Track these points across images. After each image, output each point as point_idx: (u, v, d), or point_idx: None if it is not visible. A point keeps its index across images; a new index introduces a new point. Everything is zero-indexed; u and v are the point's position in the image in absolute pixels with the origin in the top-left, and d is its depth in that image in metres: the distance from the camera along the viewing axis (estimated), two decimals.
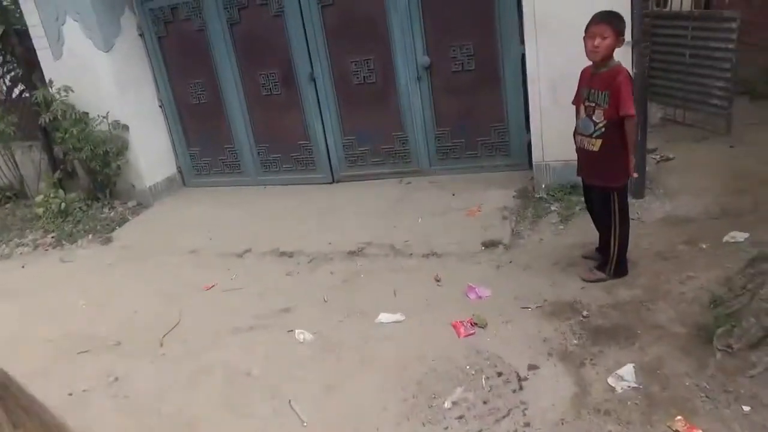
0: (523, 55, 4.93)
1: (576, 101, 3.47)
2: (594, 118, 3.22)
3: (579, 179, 4.57)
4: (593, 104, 3.22)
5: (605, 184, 3.32)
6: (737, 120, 5.75)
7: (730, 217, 4.05)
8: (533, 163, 4.80)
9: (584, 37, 3.18)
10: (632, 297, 3.29)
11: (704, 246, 3.69)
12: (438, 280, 3.81)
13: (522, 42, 4.90)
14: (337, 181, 5.98)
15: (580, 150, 3.39)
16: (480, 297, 3.52)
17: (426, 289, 3.75)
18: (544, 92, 4.54)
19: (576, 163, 3.58)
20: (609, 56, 3.13)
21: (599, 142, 3.24)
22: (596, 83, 3.19)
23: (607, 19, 3.06)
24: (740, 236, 3.71)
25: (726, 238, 3.73)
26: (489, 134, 5.33)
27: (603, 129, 3.20)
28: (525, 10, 4.42)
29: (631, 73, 4.27)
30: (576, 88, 3.47)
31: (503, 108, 5.20)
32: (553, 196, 4.68)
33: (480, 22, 5.03)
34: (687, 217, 4.17)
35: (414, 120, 5.50)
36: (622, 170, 3.27)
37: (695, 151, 5.30)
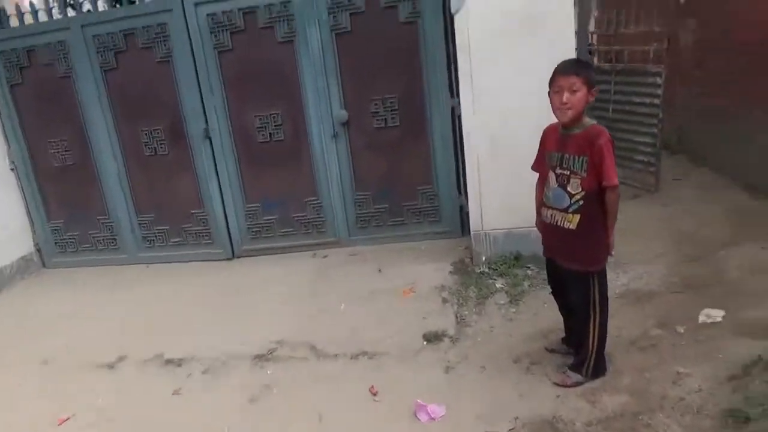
0: (454, 109, 4.39)
1: (538, 166, 2.86)
2: (569, 188, 2.61)
3: (521, 248, 4.10)
4: (567, 172, 2.61)
5: (585, 267, 2.69)
6: (663, 176, 5.55)
7: (695, 289, 3.59)
8: (471, 233, 4.16)
9: (549, 92, 2.61)
10: (622, 407, 2.63)
11: (681, 330, 3.15)
12: (374, 394, 2.97)
13: (454, 94, 4.35)
14: (239, 257, 5.02)
15: (550, 227, 2.75)
16: (433, 418, 2.71)
17: (361, 408, 2.88)
18: (483, 151, 3.96)
19: (535, 234, 2.96)
20: (581, 113, 2.56)
21: (577, 217, 2.62)
22: (570, 147, 2.59)
23: (576, 70, 2.50)
24: (716, 315, 3.22)
25: (702, 318, 3.23)
26: (416, 198, 4.66)
27: (581, 202, 2.59)
28: (460, 59, 3.85)
29: None
30: (537, 151, 2.87)
31: (432, 168, 4.58)
32: (496, 269, 4.04)
33: (405, 72, 4.43)
34: (649, 292, 3.66)
35: (330, 183, 4.73)
36: (603, 250, 2.67)
37: (631, 210, 4.92)
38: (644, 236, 4.40)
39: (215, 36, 4.54)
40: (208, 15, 4.49)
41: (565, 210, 2.64)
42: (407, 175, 4.62)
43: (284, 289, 4.25)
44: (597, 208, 2.60)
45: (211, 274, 4.76)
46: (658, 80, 5.19)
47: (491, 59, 3.80)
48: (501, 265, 4.05)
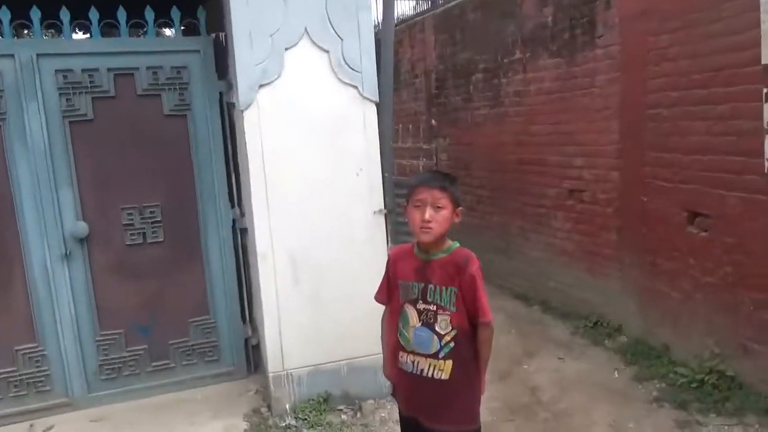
0: (236, 222, 3.61)
1: (385, 297, 2.28)
2: (437, 328, 2.07)
3: (331, 387, 3.40)
4: (433, 307, 2.08)
5: (462, 427, 2.12)
6: None
7: (524, 416, 3.35)
8: (270, 375, 3.31)
9: (407, 208, 2.11)
10: None
11: None
12: None
13: (235, 204, 3.59)
14: None
15: (413, 379, 2.14)
16: None
17: None
18: (281, 272, 3.25)
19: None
20: (444, 235, 2.10)
21: (450, 364, 2.07)
22: (434, 276, 2.08)
23: (442, 183, 2.06)
24: None
25: None
26: (187, 333, 3.62)
27: (453, 344, 2.07)
28: (251, 165, 3.17)
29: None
30: (382, 278, 2.31)
31: (207, 294, 3.64)
32: (305, 419, 3.23)
33: (171, 175, 3.52)
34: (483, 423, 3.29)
35: (59, 321, 3.38)
36: (479, 401, 2.16)
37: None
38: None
39: None
40: None
41: (434, 356, 2.08)
42: (175, 305, 3.58)
43: None
44: (471, 350, 2.11)
45: None
46: None
47: (290, 168, 3.22)
48: (310, 411, 3.27)
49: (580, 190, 4.49)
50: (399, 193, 3.87)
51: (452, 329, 2.06)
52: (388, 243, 3.46)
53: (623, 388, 3.53)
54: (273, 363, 3.29)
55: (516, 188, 5.27)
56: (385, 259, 3.40)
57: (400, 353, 2.16)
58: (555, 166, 4.72)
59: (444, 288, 2.06)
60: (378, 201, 3.42)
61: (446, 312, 2.06)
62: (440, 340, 2.06)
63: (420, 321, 2.09)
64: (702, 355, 3.43)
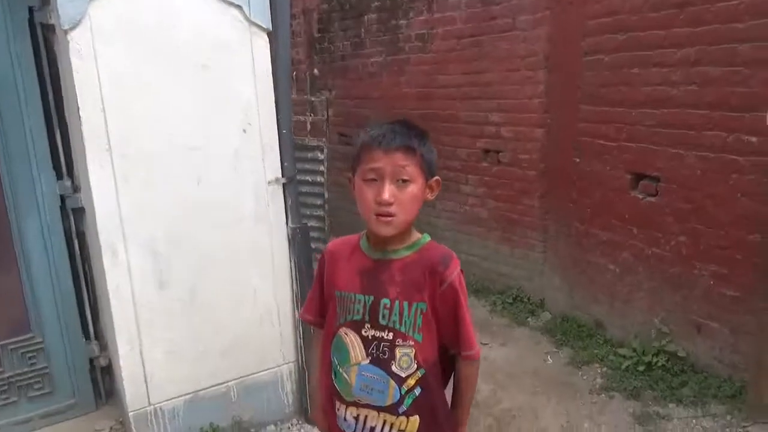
0: (65, 200, 2.55)
1: (314, 315, 1.49)
2: (395, 367, 1.31)
3: (217, 417, 2.56)
4: (388, 334, 1.32)
5: None
6: None
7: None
8: (129, 414, 2.36)
9: (354, 179, 1.33)
10: None
11: None
12: None
13: (64, 173, 2.53)
14: None
15: None
16: None
17: None
18: (139, 271, 2.29)
19: None
20: (411, 223, 1.35)
21: (414, 423, 1.34)
22: (390, 285, 1.32)
23: (407, 142, 1.28)
24: None
25: None
26: None
27: (418, 391, 1.34)
28: (82, 107, 2.13)
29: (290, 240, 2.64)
30: (312, 285, 1.51)
31: (27, 305, 2.55)
32: None
33: None
34: None
35: None
36: None
37: None
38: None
39: None
40: None
41: (391, 410, 1.33)
42: None
43: None
44: (442, 397, 1.40)
45: None
46: (320, 155, 4.42)
47: (146, 122, 2.24)
48: None
49: (497, 150, 3.94)
50: (300, 157, 3.02)
51: (417, 368, 1.33)
52: (287, 223, 2.63)
53: (562, 377, 3.10)
54: (133, 397, 2.35)
55: None
56: (284, 244, 2.65)
57: (337, 404, 1.39)
58: (467, 122, 4.13)
59: (407, 304, 1.32)
60: (274, 167, 2.57)
61: (409, 342, 1.32)
62: (400, 386, 1.32)
63: (367, 356, 1.33)
64: (644, 333, 3.08)
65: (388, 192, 1.25)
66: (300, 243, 2.65)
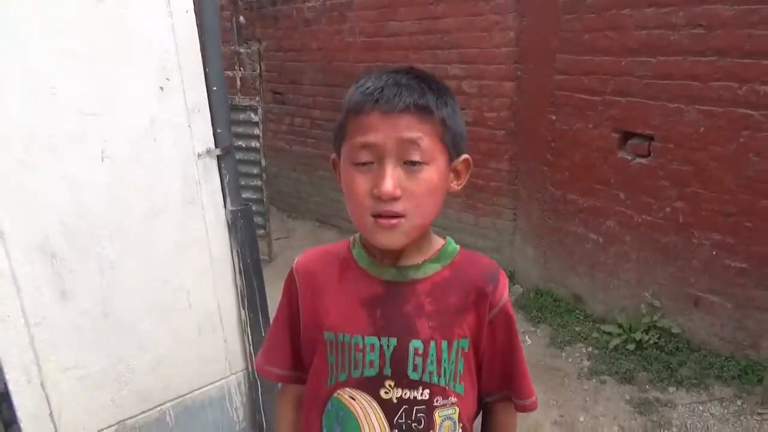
0: None
1: (284, 365, 1.00)
2: None
3: None
4: (423, 393, 0.86)
5: None
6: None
7: None
8: None
9: (339, 161, 0.85)
10: None
11: None
12: None
13: None
14: None
15: None
16: None
17: None
18: (31, 280, 1.71)
19: None
20: (428, 226, 0.88)
21: None
22: (419, 317, 0.87)
23: (423, 100, 0.80)
24: None
25: None
26: None
27: None
28: None
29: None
30: (274, 322, 1.03)
31: None
32: None
33: None
34: None
35: None
36: None
37: None
38: None
39: None
40: None
41: None
42: None
43: None
44: None
45: None
46: (254, 116, 3.84)
47: (17, 66, 1.61)
48: None
49: (459, 107, 3.50)
50: (234, 120, 2.45)
51: (461, 428, 0.91)
52: (225, 205, 2.10)
53: (546, 360, 2.80)
54: None
55: None
56: (223, 231, 2.12)
57: None
58: None
59: (445, 344, 0.88)
60: (204, 135, 2.00)
61: (451, 399, 0.89)
62: None
63: (393, 429, 0.88)
64: (631, 308, 2.81)
65: (390, 180, 0.78)
66: (243, 229, 2.13)
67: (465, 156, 0.88)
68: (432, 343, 0.86)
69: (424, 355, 0.86)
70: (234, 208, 2.11)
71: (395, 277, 0.88)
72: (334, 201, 4.66)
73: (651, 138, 2.58)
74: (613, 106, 2.69)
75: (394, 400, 0.87)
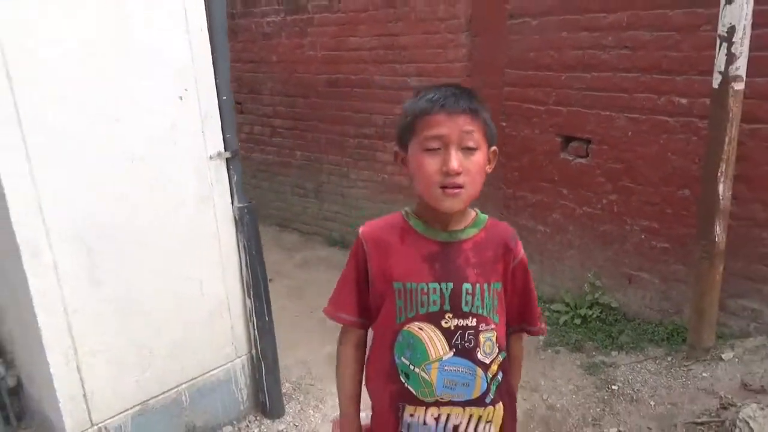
0: None
1: (354, 314, 1.29)
2: (480, 354, 1.20)
3: (177, 425, 2.25)
4: (472, 321, 1.19)
5: None
6: None
7: None
8: None
9: (407, 151, 1.17)
10: None
11: None
12: None
13: None
14: None
15: None
16: None
17: None
18: (70, 270, 1.88)
19: None
20: (476, 197, 1.21)
21: (500, 409, 1.25)
22: (467, 268, 1.19)
23: (472, 105, 1.13)
24: None
25: None
26: None
27: (501, 376, 1.25)
28: None
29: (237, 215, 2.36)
30: (345, 277, 1.30)
31: None
32: None
33: None
34: None
35: None
36: None
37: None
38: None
39: None
40: None
41: (479, 402, 1.22)
42: None
43: None
44: (509, 377, 1.32)
45: None
46: None
47: (58, 83, 1.80)
48: None
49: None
50: None
51: (498, 352, 1.24)
52: (233, 203, 2.33)
53: None
54: (74, 420, 1.95)
55: (327, 116, 4.40)
56: (231, 227, 2.34)
57: (409, 409, 1.24)
58: (382, 87, 3.99)
59: (487, 285, 1.21)
60: (215, 139, 2.24)
61: (490, 325, 1.22)
62: (486, 374, 1.21)
63: (450, 348, 1.20)
64: (575, 288, 3.25)
65: (455, 160, 1.10)
66: (248, 224, 2.36)
67: (494, 147, 1.21)
68: (477, 286, 1.18)
69: (472, 294, 1.18)
70: (241, 205, 2.35)
71: (447, 239, 1.20)
72: (294, 206, 4.90)
73: (589, 141, 3.04)
74: (555, 115, 3.13)
75: (452, 327, 1.18)
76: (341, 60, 4.18)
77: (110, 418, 2.04)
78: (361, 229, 1.28)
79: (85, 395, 1.97)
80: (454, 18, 3.51)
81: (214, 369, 2.36)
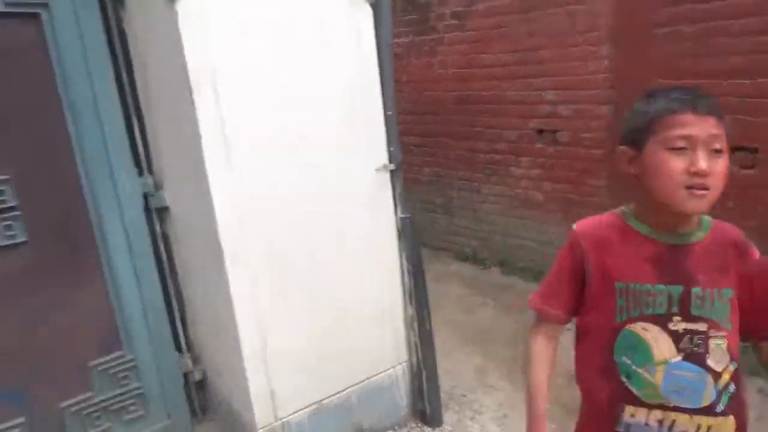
0: (148, 199, 2.27)
1: (564, 309, 1.31)
2: (710, 361, 1.17)
3: (340, 426, 2.35)
4: (702, 326, 1.16)
5: None
6: None
7: None
8: (257, 428, 2.12)
9: (644, 150, 1.17)
10: None
11: None
12: None
13: (144, 170, 2.25)
14: None
15: None
16: None
17: None
18: (263, 279, 2.05)
19: None
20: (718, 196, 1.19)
21: (731, 422, 1.20)
22: (698, 271, 1.18)
23: (717, 110, 1.13)
24: None
25: None
26: (88, 384, 2.22)
27: (733, 388, 1.20)
28: (197, 98, 1.86)
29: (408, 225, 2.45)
30: (555, 272, 1.34)
31: (116, 318, 2.26)
32: None
33: (23, 126, 2.03)
34: None
35: None
36: None
37: None
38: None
39: None
40: None
41: (708, 411, 1.19)
42: (63, 344, 2.15)
43: None
44: (743, 389, 1.27)
45: None
46: None
47: (250, 108, 1.98)
48: None
49: (554, 129, 3.83)
50: None
51: (730, 361, 1.19)
52: (396, 213, 2.42)
53: None
54: (261, 415, 2.10)
55: (458, 133, 4.46)
56: (394, 236, 2.43)
57: (629, 409, 1.22)
58: (516, 102, 3.99)
59: (717, 291, 1.17)
60: (380, 153, 2.36)
61: (722, 332, 1.18)
62: (716, 384, 1.17)
63: (678, 352, 1.17)
64: None
65: (705, 161, 1.09)
66: (409, 234, 2.45)
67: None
68: (707, 290, 1.16)
69: (702, 298, 1.16)
70: (403, 216, 2.44)
71: (677, 241, 1.19)
72: (422, 221, 4.97)
73: (756, 150, 2.86)
74: None
75: (681, 330, 1.16)
76: (472, 77, 4.24)
77: (292, 414, 2.18)
78: (576, 227, 1.31)
79: (271, 392, 2.12)
80: (594, 30, 3.46)
81: (379, 374, 2.44)
